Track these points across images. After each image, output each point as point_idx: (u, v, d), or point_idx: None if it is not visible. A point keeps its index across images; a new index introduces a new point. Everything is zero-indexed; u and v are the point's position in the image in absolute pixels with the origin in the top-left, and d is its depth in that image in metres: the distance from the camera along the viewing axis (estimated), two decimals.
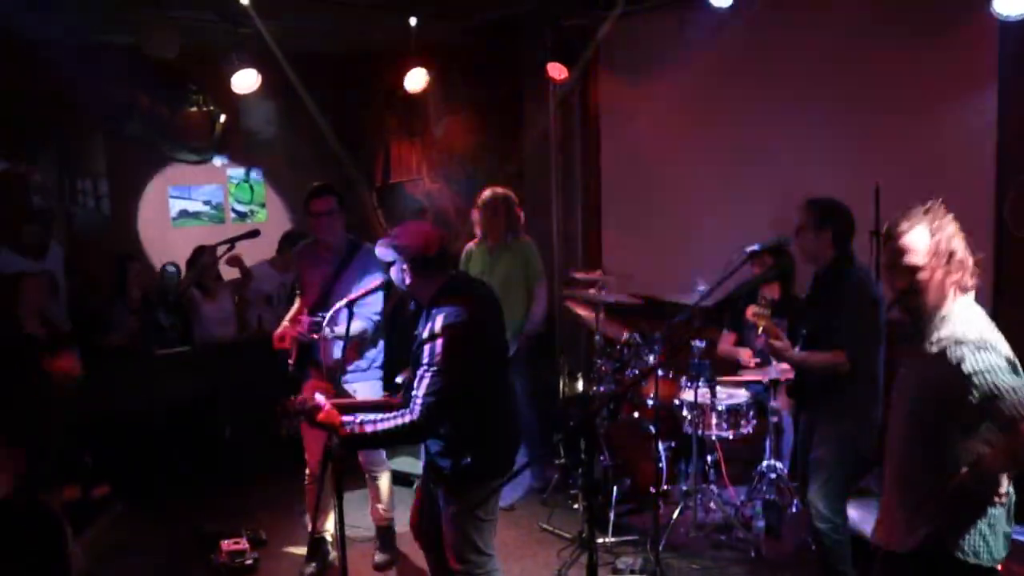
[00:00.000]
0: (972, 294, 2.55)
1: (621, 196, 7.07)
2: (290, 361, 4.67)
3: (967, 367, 2.42)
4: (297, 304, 4.84)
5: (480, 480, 3.43)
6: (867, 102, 5.25)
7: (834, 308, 3.78)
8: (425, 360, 3.24)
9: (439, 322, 3.26)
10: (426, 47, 7.02)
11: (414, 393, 3.24)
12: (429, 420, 3.22)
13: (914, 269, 2.51)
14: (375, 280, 3.68)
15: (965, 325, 2.49)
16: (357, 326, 4.24)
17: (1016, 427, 2.37)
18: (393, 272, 3.48)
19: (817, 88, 5.52)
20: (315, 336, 4.37)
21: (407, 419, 3.22)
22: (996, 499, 2.49)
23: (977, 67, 4.78)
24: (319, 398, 3.28)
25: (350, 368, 4.60)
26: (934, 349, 2.52)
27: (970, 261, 2.53)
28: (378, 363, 4.77)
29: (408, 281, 3.43)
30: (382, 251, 3.46)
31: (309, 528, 4.85)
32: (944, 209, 2.56)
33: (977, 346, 2.44)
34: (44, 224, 7.28)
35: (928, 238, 2.50)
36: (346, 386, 4.56)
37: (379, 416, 3.29)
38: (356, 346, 4.51)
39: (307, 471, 4.79)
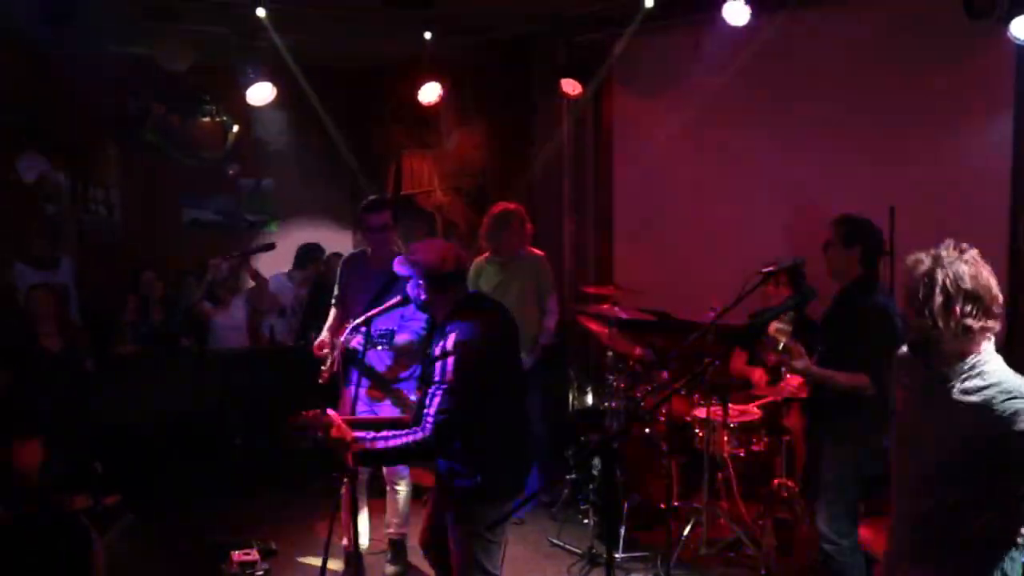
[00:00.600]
0: (990, 345, 2.36)
1: (633, 212, 7.09)
2: (323, 369, 4.65)
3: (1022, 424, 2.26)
4: (335, 313, 4.84)
5: (490, 501, 3.39)
6: (883, 125, 5.28)
7: (855, 329, 3.77)
8: (437, 377, 3.24)
9: (452, 340, 3.26)
10: (440, 61, 7.05)
11: (426, 411, 3.24)
12: (440, 438, 3.22)
13: (927, 315, 2.30)
14: (393, 298, 3.69)
15: (1006, 375, 2.33)
16: (403, 339, 4.30)
17: None
18: (409, 288, 3.49)
19: (833, 109, 5.55)
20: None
21: (419, 436, 3.21)
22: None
23: (993, 92, 4.81)
24: (331, 414, 3.28)
25: (400, 377, 4.64)
26: (971, 399, 2.33)
27: (997, 303, 2.31)
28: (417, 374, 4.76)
29: (423, 297, 3.43)
30: (399, 267, 3.47)
31: (344, 542, 4.86)
32: (960, 248, 2.34)
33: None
34: (55, 235, 7.34)
35: (939, 282, 2.29)
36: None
37: (391, 433, 3.29)
38: (403, 358, 4.56)
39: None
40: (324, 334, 4.75)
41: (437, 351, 3.28)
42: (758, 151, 5.98)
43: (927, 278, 2.30)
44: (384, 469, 4.69)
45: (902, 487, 2.57)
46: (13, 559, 1.99)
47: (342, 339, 4.41)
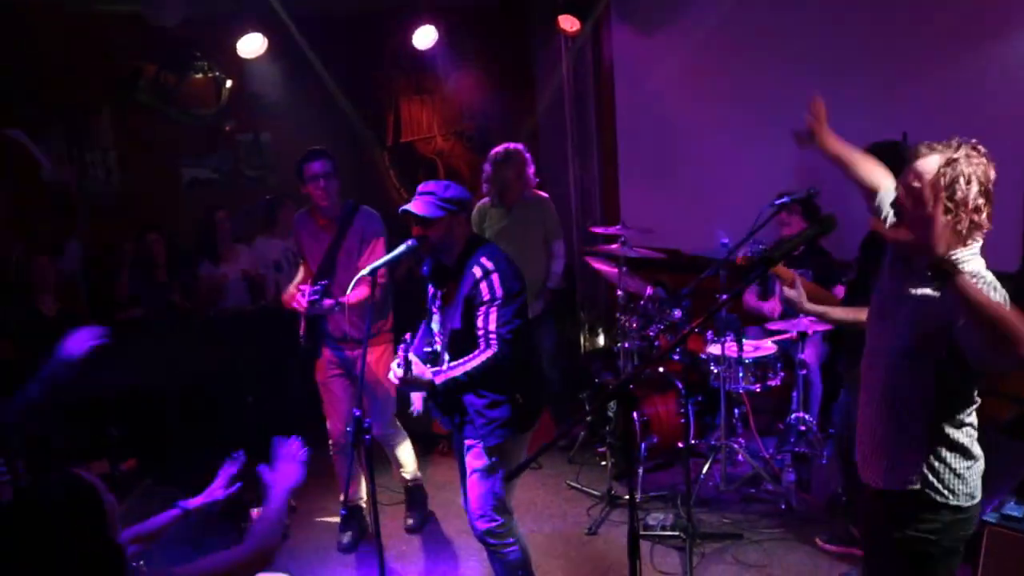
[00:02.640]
0: (977, 246, 2.38)
1: (638, 149, 6.96)
2: (301, 334, 4.55)
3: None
4: (301, 273, 4.71)
5: (519, 431, 3.50)
6: (895, 47, 5.11)
7: None
8: (486, 297, 3.31)
9: (485, 263, 3.34)
10: (435, 4, 6.88)
11: (484, 330, 3.31)
12: (510, 349, 3.31)
13: (918, 195, 2.29)
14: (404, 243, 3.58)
15: (983, 271, 2.35)
16: (360, 293, 4.14)
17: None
18: (436, 229, 3.40)
19: (842, 34, 5.39)
20: (320, 308, 4.25)
21: (490, 354, 3.31)
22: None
23: (1012, 10, 4.62)
24: (410, 356, 3.27)
25: (360, 336, 4.44)
26: (934, 292, 2.36)
27: (984, 212, 2.34)
28: (388, 328, 4.67)
29: (456, 233, 3.44)
30: (425, 209, 3.38)
31: (341, 498, 4.85)
32: (979, 151, 2.36)
33: (994, 286, 2.30)
34: (58, 219, 7.25)
35: (937, 168, 2.32)
36: (352, 355, 4.51)
37: (462, 360, 3.35)
38: (363, 313, 4.34)
39: (330, 441, 4.75)
40: (290, 289, 4.57)
41: (477, 273, 3.33)
42: (763, 82, 5.82)
43: (951, 167, 2.31)
44: (377, 431, 4.58)
45: (875, 360, 2.59)
46: (19, 532, 1.96)
47: (300, 302, 4.28)
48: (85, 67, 7.78)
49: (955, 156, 2.32)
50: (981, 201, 2.32)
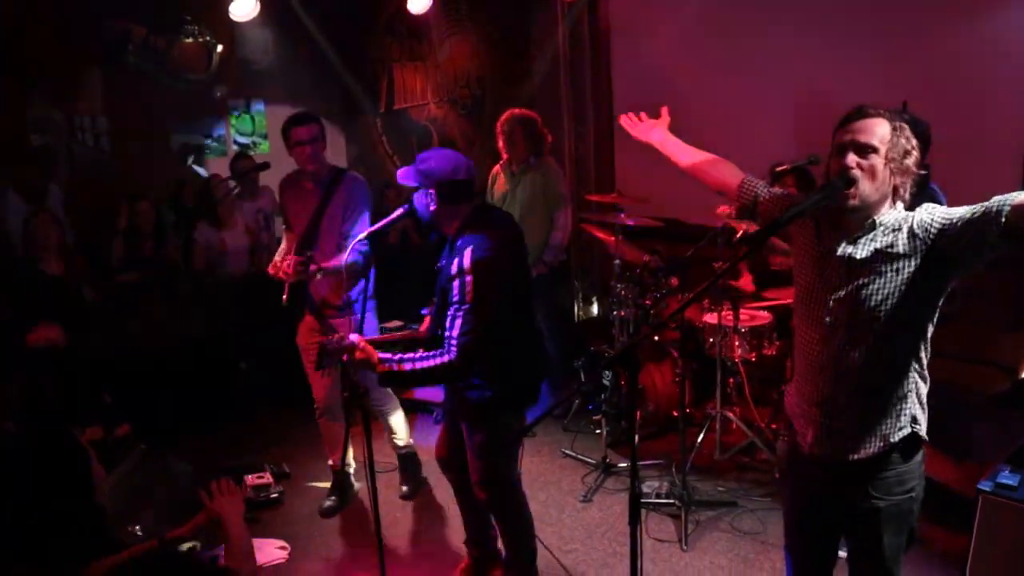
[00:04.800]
0: (901, 205, 2.40)
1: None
2: (284, 297, 4.40)
3: (926, 220, 2.30)
4: (285, 241, 4.65)
5: (505, 411, 3.43)
6: (897, 15, 5.05)
7: None
8: (455, 298, 3.15)
9: (468, 257, 3.16)
10: None
11: (447, 334, 3.16)
12: (466, 360, 3.15)
13: (868, 149, 2.33)
14: (398, 209, 3.53)
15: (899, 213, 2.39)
16: (344, 259, 4.03)
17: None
18: (416, 199, 3.35)
19: (843, 2, 5.32)
20: (303, 275, 4.20)
21: (444, 360, 3.15)
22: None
23: None
24: (353, 337, 3.19)
25: (339, 303, 4.47)
26: (866, 253, 2.37)
27: (914, 173, 2.38)
28: (371, 295, 4.59)
29: (433, 208, 3.29)
30: (404, 177, 3.33)
31: (329, 462, 4.85)
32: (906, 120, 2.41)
33: (925, 209, 2.34)
34: (44, 165, 7.18)
35: (890, 128, 2.35)
36: (333, 322, 4.45)
37: (417, 355, 3.21)
38: (345, 280, 4.33)
39: (315, 406, 4.72)
40: (275, 260, 4.47)
41: (453, 269, 3.18)
42: (763, 48, 5.76)
43: (900, 125, 2.36)
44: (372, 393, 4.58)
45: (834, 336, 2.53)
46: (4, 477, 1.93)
47: (285, 271, 4.21)
48: (73, 30, 7.68)
49: (902, 123, 2.37)
50: (915, 165, 2.40)
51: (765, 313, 5.12)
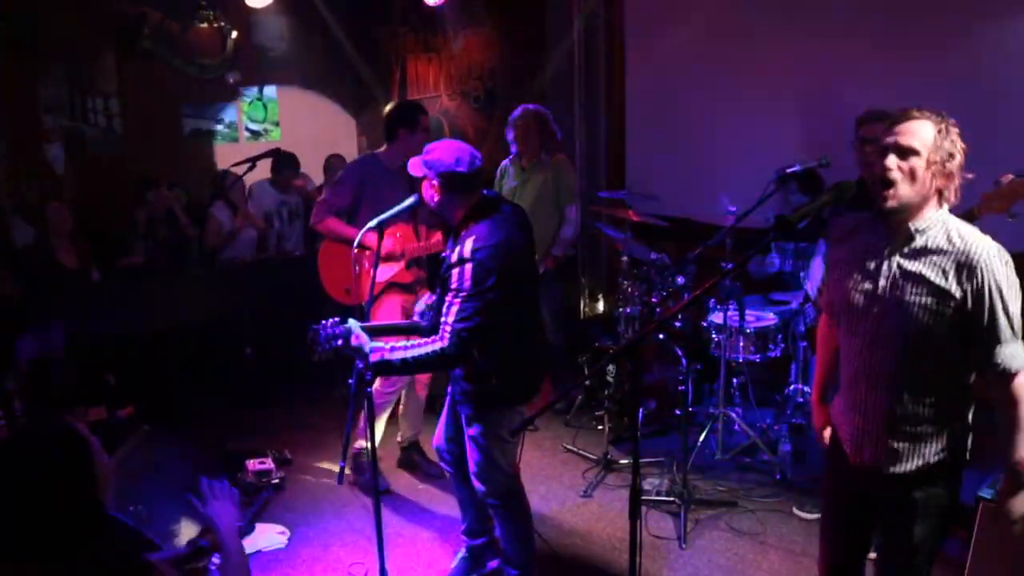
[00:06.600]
0: (947, 208, 2.39)
1: (646, 115, 6.89)
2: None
3: (986, 279, 2.28)
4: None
5: (505, 404, 3.42)
6: (913, 19, 5.03)
7: None
8: (454, 285, 3.16)
9: (468, 245, 3.17)
10: None
11: (443, 320, 3.17)
12: (459, 348, 3.16)
13: (910, 152, 2.30)
14: (408, 199, 3.55)
15: (967, 230, 2.35)
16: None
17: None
18: (424, 189, 3.36)
19: (858, 5, 5.30)
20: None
21: (437, 347, 3.16)
22: None
23: None
24: (351, 323, 3.20)
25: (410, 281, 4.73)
26: (913, 268, 2.37)
27: (958, 178, 2.35)
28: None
29: (437, 198, 3.31)
30: (414, 167, 3.35)
31: (358, 445, 4.84)
32: (954, 123, 2.38)
33: (1002, 259, 2.30)
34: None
35: (934, 131, 2.32)
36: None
37: (409, 343, 3.22)
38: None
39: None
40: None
41: (453, 257, 3.19)
42: (776, 50, 5.75)
43: (947, 128, 2.34)
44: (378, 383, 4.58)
45: (875, 371, 2.54)
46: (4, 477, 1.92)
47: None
48: (88, 13, 7.69)
49: (945, 125, 2.35)
50: (960, 170, 2.37)
51: (771, 315, 5.11)
